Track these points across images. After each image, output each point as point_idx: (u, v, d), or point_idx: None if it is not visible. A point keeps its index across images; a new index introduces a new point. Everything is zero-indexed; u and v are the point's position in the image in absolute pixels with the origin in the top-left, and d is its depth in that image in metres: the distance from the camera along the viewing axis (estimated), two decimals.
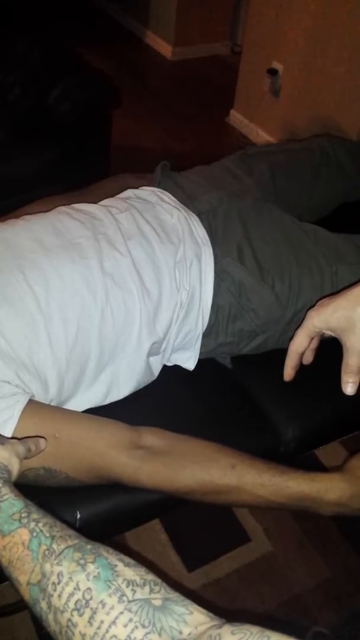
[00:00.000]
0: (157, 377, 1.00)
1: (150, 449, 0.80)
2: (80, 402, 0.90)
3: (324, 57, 2.24)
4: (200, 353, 1.02)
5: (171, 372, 1.02)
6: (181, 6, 3.30)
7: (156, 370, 1.00)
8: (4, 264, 0.86)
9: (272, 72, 2.49)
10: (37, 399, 0.81)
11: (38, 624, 1.15)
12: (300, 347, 0.84)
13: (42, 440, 0.71)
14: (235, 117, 2.86)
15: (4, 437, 0.69)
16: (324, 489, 0.78)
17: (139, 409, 0.94)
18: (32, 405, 0.77)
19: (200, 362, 1.02)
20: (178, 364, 1.03)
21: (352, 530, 1.37)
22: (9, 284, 0.84)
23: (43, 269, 0.86)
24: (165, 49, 3.52)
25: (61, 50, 1.89)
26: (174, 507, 1.08)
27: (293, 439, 1.00)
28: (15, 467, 0.63)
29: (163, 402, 0.99)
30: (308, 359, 0.89)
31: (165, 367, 1.02)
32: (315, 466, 1.46)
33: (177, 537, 1.33)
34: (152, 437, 0.82)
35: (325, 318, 0.79)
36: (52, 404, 0.85)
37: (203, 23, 3.41)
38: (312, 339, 0.83)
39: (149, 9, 3.56)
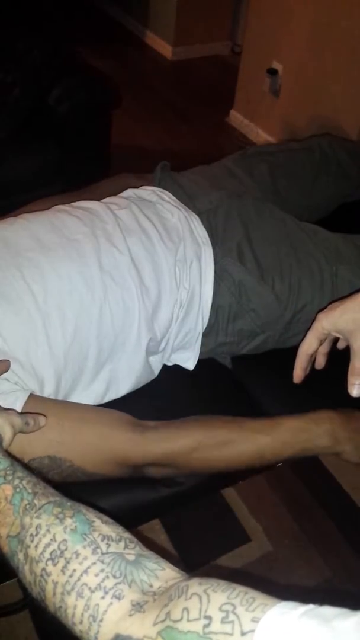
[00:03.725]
0: (157, 377, 1.00)
1: (151, 425, 0.84)
2: (79, 400, 0.90)
3: (324, 57, 2.24)
4: (200, 353, 1.02)
5: (171, 372, 1.02)
6: (181, 6, 3.31)
7: (156, 369, 1.00)
8: (2, 263, 0.86)
9: (272, 72, 2.49)
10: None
11: (38, 623, 1.15)
12: (310, 348, 0.85)
13: (42, 417, 0.72)
14: (235, 117, 2.86)
15: (1, 406, 0.70)
16: (317, 417, 0.85)
17: (139, 408, 0.93)
18: (34, 399, 0.77)
19: (200, 362, 1.02)
20: (178, 363, 1.03)
21: (352, 530, 1.37)
22: (6, 282, 0.84)
23: (41, 267, 0.86)
24: (165, 49, 3.52)
25: (61, 50, 1.89)
26: (174, 507, 1.08)
27: None
28: (7, 435, 0.64)
29: (163, 402, 0.99)
30: (320, 363, 0.90)
31: (165, 367, 1.02)
32: (315, 465, 1.46)
33: (177, 537, 1.33)
34: (151, 422, 0.85)
35: (333, 320, 0.81)
36: None
37: (203, 23, 3.41)
38: (321, 341, 0.84)
39: (149, 9, 3.56)
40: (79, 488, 0.81)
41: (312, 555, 1.32)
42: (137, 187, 1.13)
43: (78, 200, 1.03)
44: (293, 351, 0.89)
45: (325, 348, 0.88)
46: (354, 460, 0.87)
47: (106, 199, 1.06)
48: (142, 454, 0.81)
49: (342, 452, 0.86)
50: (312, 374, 0.90)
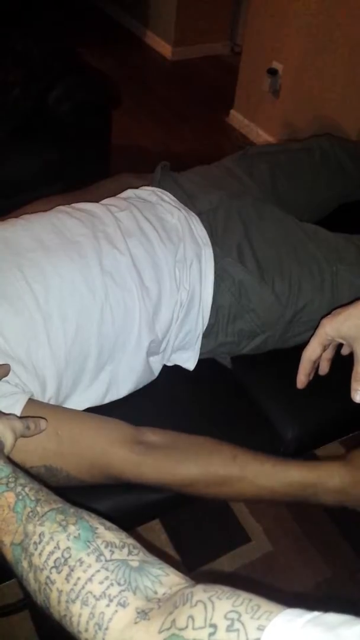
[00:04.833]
0: (157, 377, 1.00)
1: (151, 445, 0.81)
2: (79, 401, 0.90)
3: (324, 57, 2.24)
4: (200, 353, 1.02)
5: (171, 372, 1.02)
6: (181, 6, 3.30)
7: (156, 370, 1.00)
8: (3, 263, 0.86)
9: (272, 72, 2.49)
10: (35, 397, 0.81)
11: (38, 623, 1.15)
12: (313, 354, 0.85)
13: (42, 421, 0.71)
14: (235, 117, 2.86)
15: (1, 412, 0.70)
16: (326, 476, 0.79)
17: (139, 409, 0.94)
18: (33, 404, 0.77)
19: (200, 362, 1.02)
20: (178, 364, 1.03)
21: (352, 530, 1.37)
22: (7, 282, 0.84)
23: (42, 267, 0.86)
24: (165, 49, 3.52)
25: (61, 50, 1.89)
26: (174, 507, 1.08)
27: (293, 439, 0.99)
28: (8, 441, 0.64)
29: (163, 402, 0.99)
30: (324, 369, 0.90)
31: (165, 367, 1.02)
32: None
33: (177, 537, 1.33)
34: (153, 435, 0.83)
35: (336, 326, 0.81)
36: (51, 402, 0.85)
37: (203, 23, 3.40)
38: (324, 347, 0.84)
39: (149, 9, 3.56)
40: (78, 488, 0.81)
41: (312, 555, 1.32)
42: (137, 187, 1.13)
43: (78, 200, 1.04)
44: (293, 351, 0.89)
45: (328, 354, 0.88)
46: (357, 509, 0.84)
47: (106, 200, 1.06)
48: (137, 477, 0.80)
49: (347, 506, 0.83)
50: (315, 378, 0.90)
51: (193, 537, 1.34)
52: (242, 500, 0.85)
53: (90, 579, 0.45)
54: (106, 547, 0.47)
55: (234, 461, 0.80)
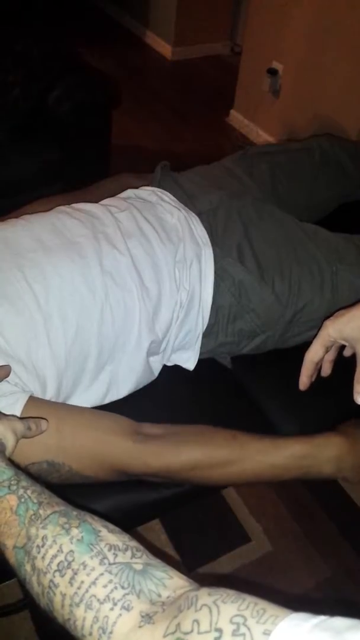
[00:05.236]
0: (157, 377, 1.00)
1: (151, 434, 0.83)
2: (80, 402, 0.90)
3: (324, 57, 2.24)
4: (200, 353, 1.02)
5: (171, 372, 1.02)
6: (181, 6, 3.31)
7: (156, 370, 1.00)
8: (3, 263, 0.86)
9: (272, 72, 2.49)
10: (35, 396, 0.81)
11: (38, 623, 1.15)
12: (315, 356, 0.85)
13: (43, 421, 0.72)
14: (235, 117, 2.86)
15: (2, 413, 0.70)
16: (323, 444, 0.82)
17: (139, 409, 0.94)
18: (33, 401, 0.77)
19: (200, 362, 1.02)
20: (178, 364, 1.03)
21: (352, 530, 1.37)
22: (8, 282, 0.84)
23: (42, 267, 0.86)
24: (165, 49, 3.52)
25: (61, 50, 1.89)
26: (174, 507, 1.08)
27: None
28: (10, 443, 0.64)
29: (163, 402, 0.99)
30: (326, 371, 0.90)
31: (165, 367, 1.02)
32: None
33: (177, 537, 1.33)
34: (151, 427, 0.84)
35: (339, 328, 0.81)
36: None
37: (203, 23, 3.41)
38: (327, 348, 0.84)
39: (149, 9, 3.56)
40: (78, 488, 0.81)
41: (312, 555, 1.32)
42: (137, 187, 1.13)
43: (78, 201, 1.04)
44: (293, 351, 0.89)
45: (331, 355, 0.89)
46: (354, 482, 0.86)
47: (106, 201, 1.06)
48: (140, 466, 0.80)
49: (344, 478, 0.85)
50: (316, 379, 0.90)
51: (193, 537, 1.34)
52: (244, 481, 0.86)
53: (94, 583, 0.44)
54: (109, 550, 0.47)
55: (234, 439, 0.82)
